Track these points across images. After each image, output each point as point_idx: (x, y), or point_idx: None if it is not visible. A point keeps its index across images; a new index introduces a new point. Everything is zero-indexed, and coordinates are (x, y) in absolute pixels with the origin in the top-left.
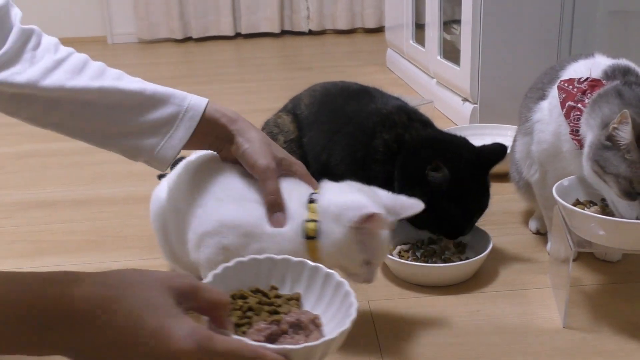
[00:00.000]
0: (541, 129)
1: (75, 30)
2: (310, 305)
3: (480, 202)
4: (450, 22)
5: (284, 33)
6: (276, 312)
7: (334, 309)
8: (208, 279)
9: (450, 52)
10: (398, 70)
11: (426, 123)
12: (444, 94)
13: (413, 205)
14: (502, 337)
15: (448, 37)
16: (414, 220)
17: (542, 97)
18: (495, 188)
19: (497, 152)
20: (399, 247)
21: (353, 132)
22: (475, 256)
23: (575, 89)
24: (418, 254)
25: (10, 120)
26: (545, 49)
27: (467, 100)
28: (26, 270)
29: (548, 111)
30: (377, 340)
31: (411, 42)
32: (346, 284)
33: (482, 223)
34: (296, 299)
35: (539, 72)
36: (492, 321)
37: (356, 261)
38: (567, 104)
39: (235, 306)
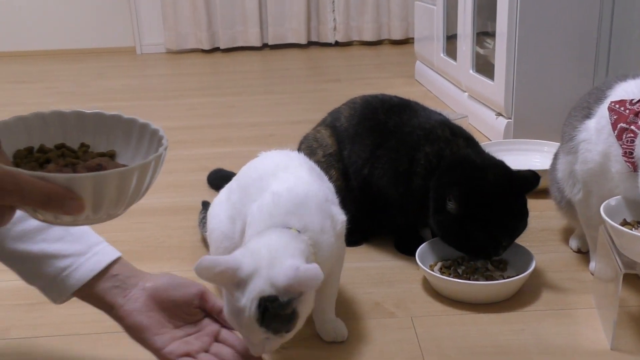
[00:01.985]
0: (587, 148)
1: (105, 41)
2: (127, 161)
3: (508, 226)
4: (482, 36)
5: (310, 44)
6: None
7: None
8: None
9: (483, 66)
10: (427, 83)
11: (469, 140)
12: (477, 108)
13: (313, 277)
14: (547, 357)
15: (481, 51)
16: (446, 238)
17: (588, 115)
18: (534, 205)
19: (529, 180)
20: (440, 263)
21: (396, 147)
22: (516, 273)
23: (627, 111)
24: (459, 271)
25: None
26: (582, 63)
27: (501, 115)
28: None
29: (596, 131)
30: (422, 356)
31: (442, 55)
32: (160, 131)
33: (522, 240)
34: (110, 156)
35: (575, 86)
36: (537, 341)
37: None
38: (619, 126)
39: (31, 159)
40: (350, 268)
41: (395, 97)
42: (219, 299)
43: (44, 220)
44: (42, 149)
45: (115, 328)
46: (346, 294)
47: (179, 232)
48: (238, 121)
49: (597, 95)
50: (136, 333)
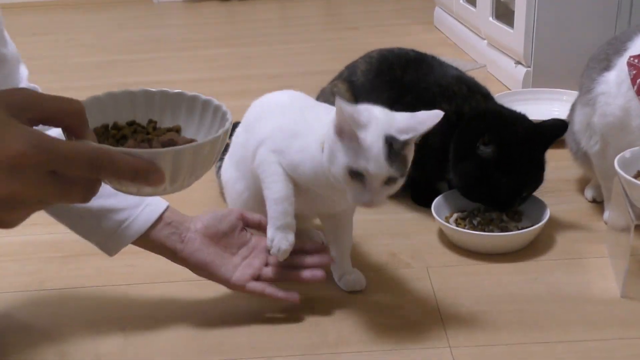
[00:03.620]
0: (606, 101)
1: None
2: (191, 135)
3: (531, 177)
4: None
5: None
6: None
7: (213, 132)
8: None
9: (503, 13)
10: (446, 30)
11: (486, 96)
12: (496, 56)
13: (431, 116)
14: (559, 305)
15: None
16: (465, 192)
17: (607, 68)
18: (551, 155)
19: (557, 128)
20: (455, 215)
21: (412, 103)
22: (531, 224)
23: None
24: (475, 222)
25: None
26: (604, 9)
27: (520, 63)
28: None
29: (615, 84)
30: (437, 305)
31: (461, 1)
32: (223, 107)
33: (538, 191)
34: (176, 130)
35: (596, 33)
36: (549, 289)
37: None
38: (638, 81)
39: (108, 135)
40: (367, 220)
41: (412, 50)
42: (254, 213)
43: (125, 192)
44: (116, 126)
45: (145, 279)
46: (363, 246)
47: (202, 187)
48: (257, 72)
49: (616, 47)
50: (202, 271)
